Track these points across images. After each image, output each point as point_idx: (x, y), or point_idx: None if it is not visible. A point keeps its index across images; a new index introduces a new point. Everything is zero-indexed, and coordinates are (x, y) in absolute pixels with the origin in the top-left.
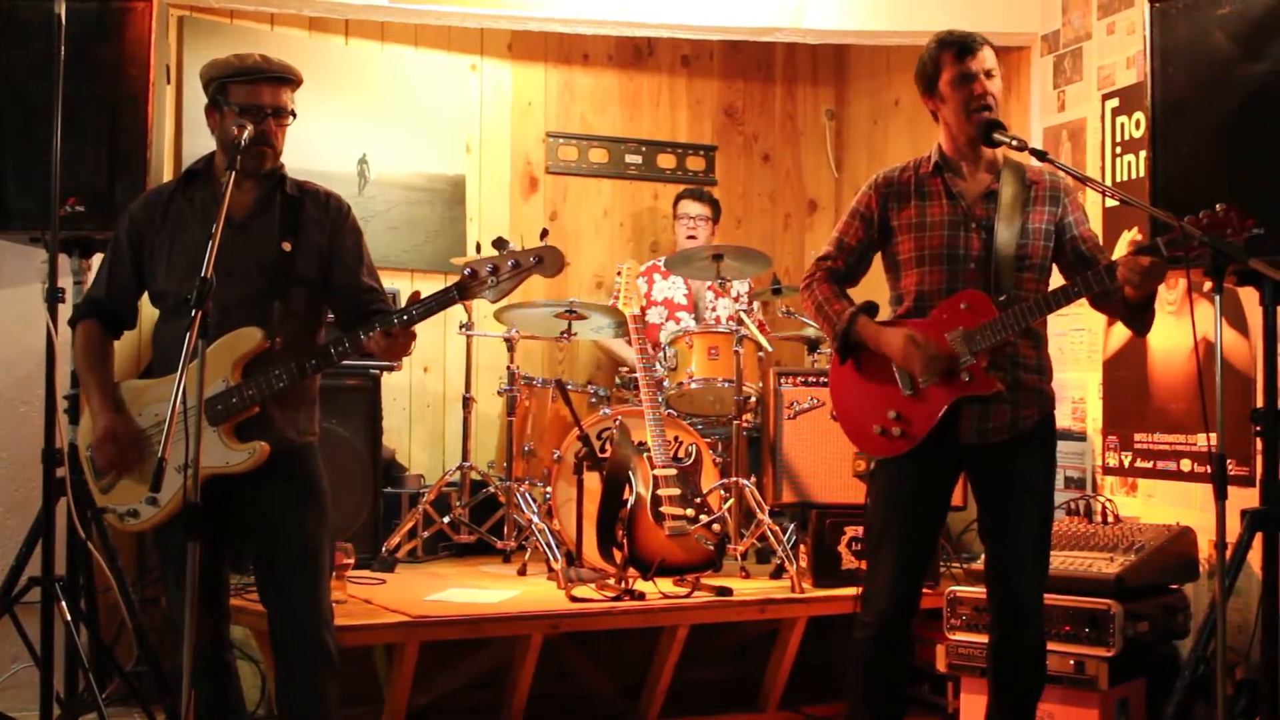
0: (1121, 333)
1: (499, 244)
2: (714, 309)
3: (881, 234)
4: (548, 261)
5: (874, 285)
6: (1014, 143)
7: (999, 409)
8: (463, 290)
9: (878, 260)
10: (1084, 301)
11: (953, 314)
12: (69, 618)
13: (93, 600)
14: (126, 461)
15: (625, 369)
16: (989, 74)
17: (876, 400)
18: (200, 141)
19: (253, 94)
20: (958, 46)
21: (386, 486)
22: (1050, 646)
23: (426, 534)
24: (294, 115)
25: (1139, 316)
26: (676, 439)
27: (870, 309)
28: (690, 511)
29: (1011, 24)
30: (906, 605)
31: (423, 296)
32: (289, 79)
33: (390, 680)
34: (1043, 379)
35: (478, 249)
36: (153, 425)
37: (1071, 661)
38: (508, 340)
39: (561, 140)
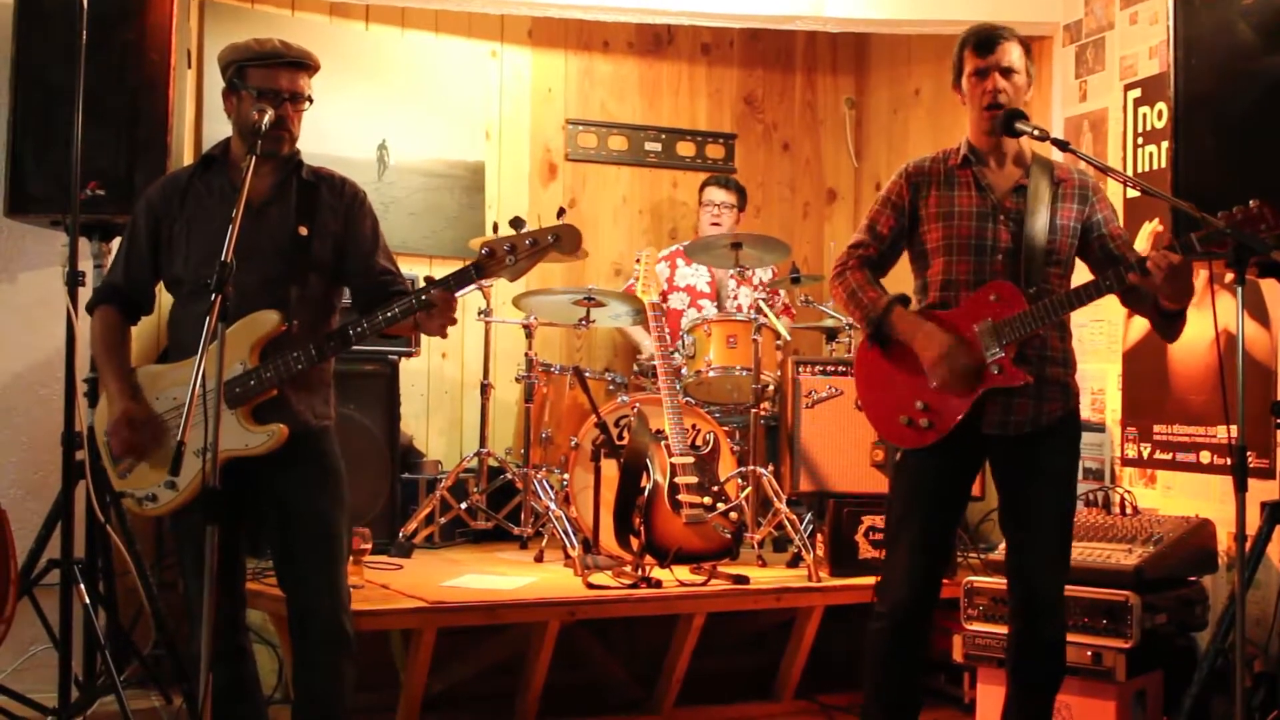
0: (1141, 324)
1: (516, 224)
2: (736, 298)
3: (911, 222)
4: (565, 240)
5: (899, 277)
6: (1035, 132)
7: (1022, 402)
8: (481, 269)
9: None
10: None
11: (981, 305)
12: (87, 600)
13: (111, 583)
14: (141, 447)
15: (643, 356)
16: (1006, 71)
17: (904, 391)
18: (221, 126)
19: (270, 78)
20: (976, 41)
21: (404, 472)
22: (1068, 637)
23: (444, 520)
24: (310, 101)
25: (1171, 324)
26: (694, 427)
27: (903, 301)
28: (707, 500)
29: (1034, 13)
30: (923, 596)
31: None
32: (307, 64)
33: (406, 665)
34: (1068, 372)
35: (494, 230)
36: (171, 409)
37: (1089, 653)
38: (526, 327)
39: (581, 127)
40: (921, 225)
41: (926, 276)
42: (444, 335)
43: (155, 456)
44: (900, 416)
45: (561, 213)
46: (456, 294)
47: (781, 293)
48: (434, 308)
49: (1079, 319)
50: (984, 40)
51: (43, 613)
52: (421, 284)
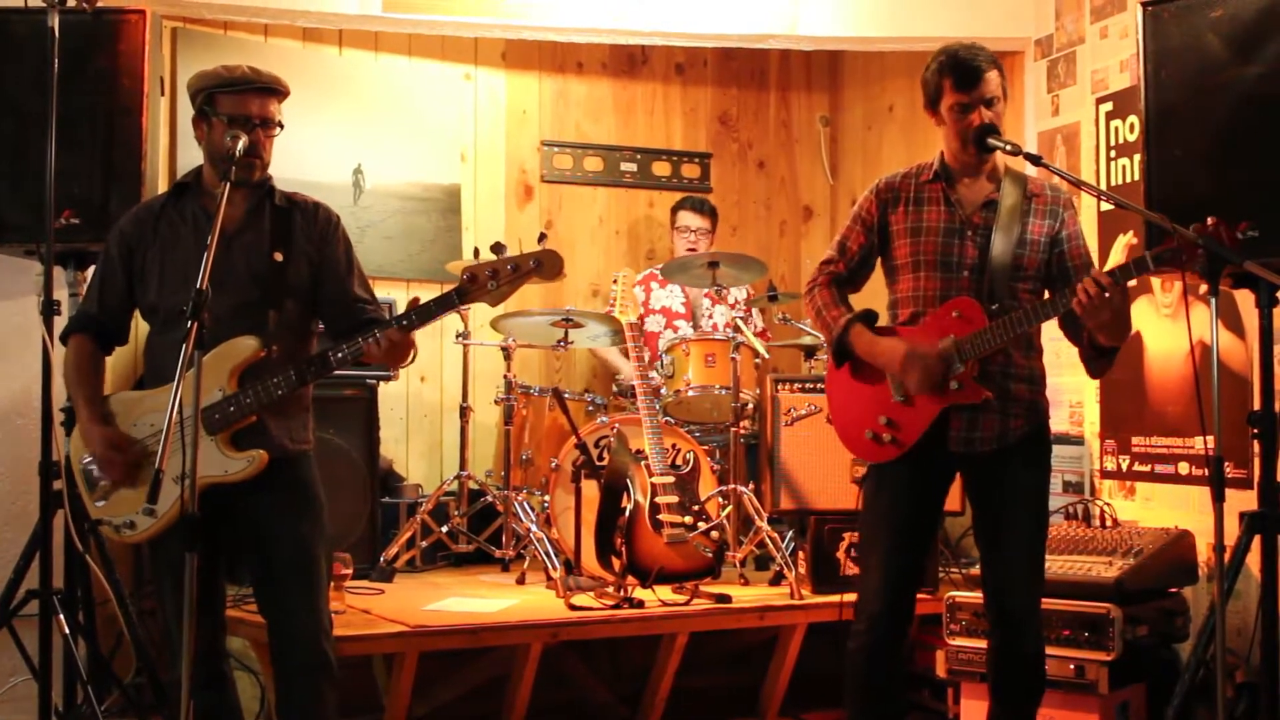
0: None
1: (497, 249)
2: (711, 317)
3: (881, 239)
4: (546, 265)
5: (877, 291)
6: (1008, 147)
7: (987, 419)
8: (462, 294)
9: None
10: None
11: (944, 321)
12: (67, 630)
13: (90, 613)
14: (132, 464)
15: (621, 377)
16: (989, 102)
17: (869, 405)
18: (195, 153)
19: (240, 104)
20: (958, 75)
21: (384, 496)
22: (1050, 651)
23: (425, 544)
24: (281, 126)
25: (1098, 360)
26: (674, 446)
27: (868, 317)
28: (688, 519)
29: (1005, 29)
30: (898, 611)
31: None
32: (276, 90)
33: (389, 690)
34: (1035, 389)
35: (475, 255)
36: (149, 436)
37: (1071, 666)
38: (505, 349)
39: (556, 149)
40: (892, 241)
41: (897, 292)
42: (395, 373)
43: (134, 483)
44: (864, 430)
45: (543, 237)
46: (438, 317)
47: (755, 313)
48: (412, 330)
49: (1056, 332)
50: (965, 74)
51: (22, 644)
52: (401, 308)
